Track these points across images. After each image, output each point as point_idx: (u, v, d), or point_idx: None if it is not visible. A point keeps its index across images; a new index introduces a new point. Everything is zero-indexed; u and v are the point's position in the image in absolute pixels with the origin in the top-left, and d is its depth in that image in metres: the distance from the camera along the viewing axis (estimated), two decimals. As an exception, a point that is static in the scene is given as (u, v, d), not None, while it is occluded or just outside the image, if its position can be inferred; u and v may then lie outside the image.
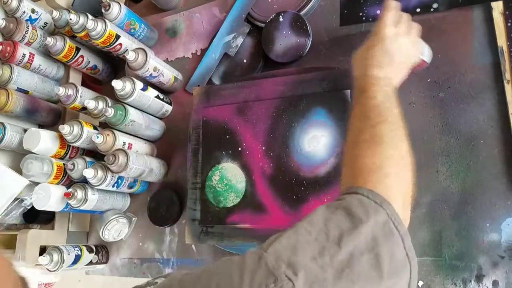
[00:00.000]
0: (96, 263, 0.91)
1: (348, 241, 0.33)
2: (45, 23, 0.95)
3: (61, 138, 0.85)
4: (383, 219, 0.34)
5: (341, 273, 0.31)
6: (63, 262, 0.82)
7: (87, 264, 0.89)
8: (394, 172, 0.39)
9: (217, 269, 0.34)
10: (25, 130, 0.84)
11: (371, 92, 0.48)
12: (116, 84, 0.80)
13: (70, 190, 0.82)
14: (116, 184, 0.85)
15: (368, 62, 0.51)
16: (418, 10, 0.75)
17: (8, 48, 0.85)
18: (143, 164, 0.82)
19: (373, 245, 0.33)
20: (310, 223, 0.36)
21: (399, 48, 0.53)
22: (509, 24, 0.69)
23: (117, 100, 0.84)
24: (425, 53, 0.65)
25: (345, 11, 0.82)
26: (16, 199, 0.83)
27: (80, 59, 0.93)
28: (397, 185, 0.38)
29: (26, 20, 0.90)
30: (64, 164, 0.85)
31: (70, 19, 0.82)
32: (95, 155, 0.90)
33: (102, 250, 0.93)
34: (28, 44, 0.90)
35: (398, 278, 0.33)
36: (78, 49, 0.91)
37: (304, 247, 0.33)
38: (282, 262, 0.32)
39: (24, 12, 0.90)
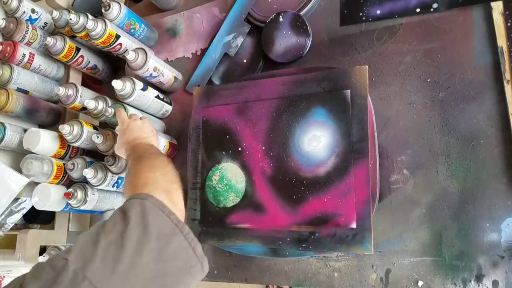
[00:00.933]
0: (96, 263, 0.91)
1: (119, 225, 0.42)
2: (45, 23, 0.94)
3: (61, 138, 0.85)
4: (148, 205, 0.45)
5: (111, 244, 0.40)
6: (63, 262, 0.82)
7: (87, 264, 0.89)
8: (152, 177, 0.53)
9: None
10: (25, 130, 0.84)
11: (144, 151, 0.65)
12: (116, 84, 0.80)
13: (70, 190, 0.82)
14: (116, 184, 0.85)
15: (132, 143, 0.70)
16: (418, 10, 0.75)
17: (8, 48, 0.85)
18: (143, 164, 0.82)
19: (142, 221, 0.43)
20: (93, 226, 0.45)
21: (139, 125, 0.75)
22: (509, 24, 0.69)
23: (117, 100, 0.84)
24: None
25: (345, 11, 0.82)
26: (16, 199, 0.83)
27: (80, 59, 0.93)
28: (156, 184, 0.52)
29: (26, 20, 0.90)
30: (64, 164, 0.85)
31: (70, 19, 0.82)
32: (95, 155, 0.90)
33: (102, 250, 0.93)
34: (28, 44, 0.90)
35: (167, 240, 0.43)
36: (78, 49, 0.91)
37: (84, 238, 0.42)
38: (63, 252, 0.39)
39: (24, 12, 0.90)
